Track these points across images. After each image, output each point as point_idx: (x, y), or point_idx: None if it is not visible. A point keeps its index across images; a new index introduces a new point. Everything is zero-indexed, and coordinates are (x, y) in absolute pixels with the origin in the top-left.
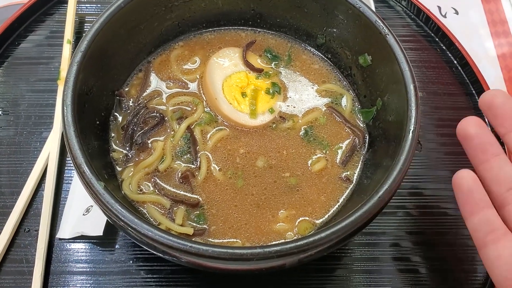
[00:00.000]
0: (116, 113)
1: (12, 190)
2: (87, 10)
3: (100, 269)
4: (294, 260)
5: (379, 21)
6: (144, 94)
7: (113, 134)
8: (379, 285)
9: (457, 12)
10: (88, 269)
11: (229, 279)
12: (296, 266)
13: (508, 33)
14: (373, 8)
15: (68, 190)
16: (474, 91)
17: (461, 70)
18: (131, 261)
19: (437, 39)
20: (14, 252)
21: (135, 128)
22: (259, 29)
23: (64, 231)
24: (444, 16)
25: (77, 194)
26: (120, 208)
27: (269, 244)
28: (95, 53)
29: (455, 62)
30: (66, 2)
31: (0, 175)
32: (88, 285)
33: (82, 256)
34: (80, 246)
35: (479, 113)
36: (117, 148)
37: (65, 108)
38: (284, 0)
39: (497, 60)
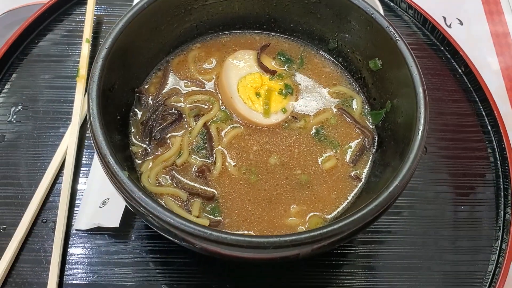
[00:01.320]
0: (136, 109)
1: (30, 182)
2: (105, 12)
3: (115, 259)
4: (307, 250)
5: (390, 27)
6: (163, 92)
7: (133, 129)
8: (383, 281)
9: (461, 23)
10: (103, 260)
11: (239, 273)
12: (309, 256)
13: (510, 43)
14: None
15: (85, 184)
16: (477, 98)
17: (465, 78)
18: (144, 253)
19: (442, 48)
20: (32, 242)
21: (154, 124)
22: (273, 33)
23: (81, 223)
24: (449, 26)
25: (94, 187)
26: (143, 196)
27: (285, 234)
28: (119, 50)
29: (459, 70)
30: (84, 3)
31: (19, 167)
32: (103, 275)
33: (98, 246)
34: (96, 237)
35: (481, 119)
36: (137, 142)
37: (90, 101)
38: (297, 5)
39: (500, 69)
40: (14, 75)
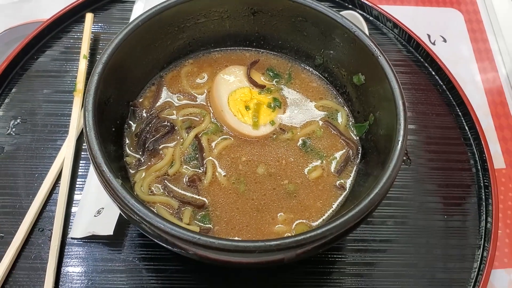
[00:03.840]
0: (130, 122)
1: (28, 192)
2: (102, 29)
3: (109, 267)
4: (292, 254)
5: (371, 44)
6: (156, 105)
7: (127, 141)
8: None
9: (445, 40)
10: (97, 267)
11: (230, 280)
12: (294, 261)
13: (492, 60)
14: (367, 33)
15: (80, 194)
16: (460, 112)
17: (448, 93)
18: (137, 261)
19: (426, 64)
20: (29, 250)
21: (148, 136)
22: (262, 50)
23: (76, 231)
24: (433, 44)
25: (89, 197)
26: (135, 203)
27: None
28: (114, 66)
29: (443, 85)
30: (82, 21)
31: (17, 178)
32: (97, 281)
33: (92, 254)
34: (90, 245)
35: (464, 132)
36: (131, 153)
37: (86, 113)
38: (285, 24)
39: (482, 84)
40: (13, 90)
